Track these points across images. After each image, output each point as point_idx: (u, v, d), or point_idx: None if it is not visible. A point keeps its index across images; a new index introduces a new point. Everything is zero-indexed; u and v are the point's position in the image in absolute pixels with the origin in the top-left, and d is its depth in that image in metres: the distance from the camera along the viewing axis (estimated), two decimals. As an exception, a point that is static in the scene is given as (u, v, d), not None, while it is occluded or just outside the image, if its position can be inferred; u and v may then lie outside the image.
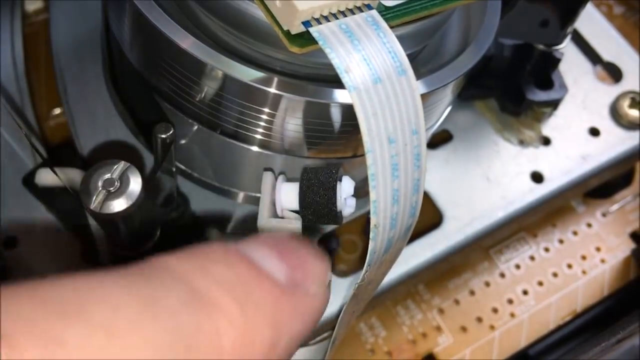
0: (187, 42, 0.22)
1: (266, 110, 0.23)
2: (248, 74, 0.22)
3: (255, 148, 0.25)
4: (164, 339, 0.14)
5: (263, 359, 0.16)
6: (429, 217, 0.31)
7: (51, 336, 0.12)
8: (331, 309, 0.28)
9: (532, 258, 0.36)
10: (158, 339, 0.13)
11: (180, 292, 0.15)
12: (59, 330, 0.12)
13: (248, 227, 0.28)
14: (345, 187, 0.21)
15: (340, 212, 0.21)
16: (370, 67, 0.18)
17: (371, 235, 0.19)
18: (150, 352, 0.13)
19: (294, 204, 0.22)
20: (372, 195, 0.18)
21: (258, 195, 0.27)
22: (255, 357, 0.15)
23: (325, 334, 0.29)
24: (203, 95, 0.24)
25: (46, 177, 0.27)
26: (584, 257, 0.36)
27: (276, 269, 0.17)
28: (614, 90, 0.36)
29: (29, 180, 0.28)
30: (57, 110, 0.33)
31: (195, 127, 0.25)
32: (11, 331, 0.12)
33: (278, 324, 0.16)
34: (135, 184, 0.21)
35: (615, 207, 0.38)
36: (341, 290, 0.28)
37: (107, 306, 0.13)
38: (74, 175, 0.27)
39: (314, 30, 0.18)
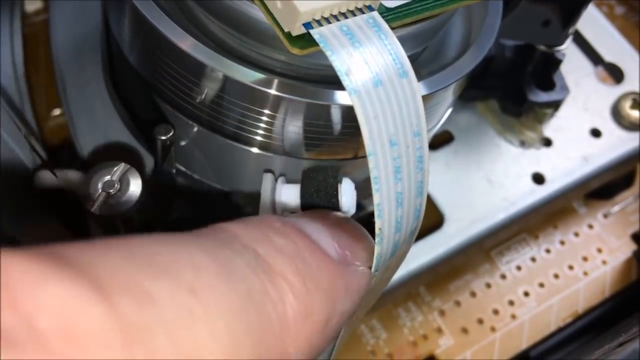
0: (186, 43, 0.22)
1: (266, 111, 0.23)
2: (248, 76, 0.22)
3: (255, 149, 0.25)
4: (238, 301, 0.14)
5: (320, 333, 0.16)
6: (430, 219, 0.31)
7: (143, 291, 0.13)
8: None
9: (533, 259, 0.36)
10: (233, 301, 0.14)
11: (248, 258, 0.15)
12: (150, 286, 0.13)
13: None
14: (346, 189, 0.21)
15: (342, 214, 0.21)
16: (371, 69, 0.18)
17: (376, 239, 0.19)
18: (226, 313, 0.14)
19: (295, 205, 0.22)
20: (376, 199, 0.18)
21: (258, 196, 0.27)
22: (311, 332, 0.16)
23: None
24: (203, 96, 0.24)
25: (46, 179, 0.27)
26: (585, 259, 0.36)
27: (330, 246, 0.18)
28: (616, 91, 0.36)
29: (28, 182, 0.28)
30: (57, 111, 0.33)
31: (195, 129, 0.25)
32: (107, 284, 0.12)
33: (333, 300, 0.17)
34: (135, 186, 0.21)
35: (616, 208, 0.38)
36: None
37: (190, 267, 0.14)
38: (73, 177, 0.27)
39: (315, 32, 0.18)
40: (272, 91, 0.22)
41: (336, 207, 0.21)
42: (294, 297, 0.16)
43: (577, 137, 0.34)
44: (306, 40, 0.19)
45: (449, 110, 0.27)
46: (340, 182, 0.21)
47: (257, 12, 0.21)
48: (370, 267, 0.19)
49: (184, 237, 0.15)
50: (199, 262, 0.14)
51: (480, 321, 0.34)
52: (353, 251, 0.18)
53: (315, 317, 0.16)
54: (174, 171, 0.25)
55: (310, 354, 0.16)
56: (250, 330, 0.14)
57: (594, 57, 0.37)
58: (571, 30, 0.31)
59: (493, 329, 0.34)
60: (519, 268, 0.35)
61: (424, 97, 0.22)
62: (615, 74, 0.37)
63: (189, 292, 0.14)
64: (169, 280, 0.13)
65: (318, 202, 0.21)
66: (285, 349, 0.15)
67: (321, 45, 0.18)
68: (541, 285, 0.35)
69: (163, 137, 0.23)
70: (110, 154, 0.29)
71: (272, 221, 0.17)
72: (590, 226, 0.37)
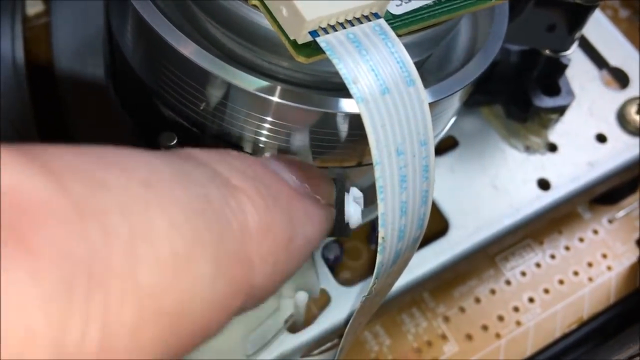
0: (189, 49, 0.22)
1: (270, 119, 0.23)
2: (252, 83, 0.22)
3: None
4: (195, 202, 0.14)
5: (283, 250, 0.16)
6: (435, 225, 0.31)
7: (95, 178, 0.12)
8: (338, 318, 0.28)
9: (538, 265, 0.36)
10: (190, 201, 0.14)
11: (205, 171, 0.15)
12: (102, 175, 0.13)
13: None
14: (353, 199, 0.21)
15: (348, 224, 0.21)
16: (378, 77, 0.18)
17: (379, 248, 0.18)
18: (184, 209, 0.13)
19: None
20: (380, 208, 0.18)
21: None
22: (275, 246, 0.16)
23: (330, 344, 0.29)
24: (206, 103, 0.23)
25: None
26: (590, 264, 0.36)
27: (288, 177, 0.18)
28: (621, 96, 0.36)
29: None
30: (59, 116, 0.33)
31: (198, 136, 0.25)
32: (57, 169, 0.12)
33: (293, 220, 0.17)
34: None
35: (621, 213, 0.38)
36: (348, 300, 0.28)
37: (145, 167, 0.14)
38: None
39: (321, 40, 0.18)
40: (276, 99, 0.22)
41: (342, 217, 0.20)
42: (254, 210, 0.15)
43: (582, 142, 0.34)
44: (312, 48, 0.18)
45: (454, 117, 0.27)
46: (348, 192, 0.21)
47: (262, 19, 0.21)
48: (331, 205, 0.19)
49: (140, 149, 0.15)
50: (153, 163, 0.14)
51: (485, 327, 0.34)
52: (313, 186, 0.18)
53: (277, 232, 0.16)
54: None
55: (275, 271, 0.16)
56: (211, 228, 0.14)
57: (599, 61, 0.37)
58: (577, 35, 0.31)
59: (498, 336, 0.33)
60: (523, 274, 0.35)
61: (430, 105, 0.22)
62: (620, 78, 0.37)
63: (144, 184, 0.13)
64: (122, 172, 0.13)
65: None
66: (249, 255, 0.15)
67: (328, 53, 0.18)
68: (546, 291, 0.35)
69: (168, 145, 0.22)
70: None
71: (230, 151, 0.17)
72: (595, 231, 0.37)
